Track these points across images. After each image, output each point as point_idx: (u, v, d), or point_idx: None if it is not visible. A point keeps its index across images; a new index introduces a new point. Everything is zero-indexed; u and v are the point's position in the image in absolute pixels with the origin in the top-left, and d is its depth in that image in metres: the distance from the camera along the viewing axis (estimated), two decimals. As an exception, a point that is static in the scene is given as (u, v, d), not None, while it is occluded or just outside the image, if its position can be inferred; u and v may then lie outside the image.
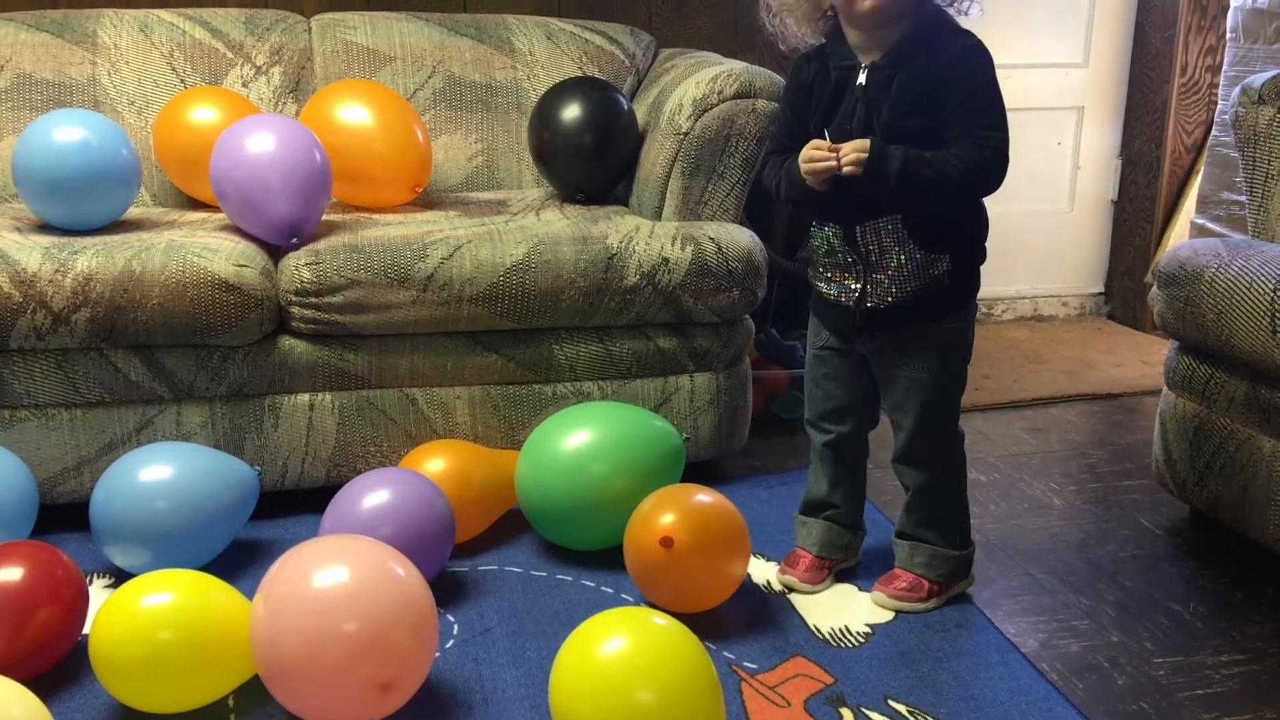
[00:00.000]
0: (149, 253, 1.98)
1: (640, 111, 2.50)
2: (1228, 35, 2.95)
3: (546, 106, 2.44)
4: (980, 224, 1.81)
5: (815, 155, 1.68)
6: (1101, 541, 2.13)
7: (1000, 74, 1.71)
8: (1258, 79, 2.12)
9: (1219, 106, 3.02)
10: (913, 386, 1.78)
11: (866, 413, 1.89)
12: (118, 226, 2.17)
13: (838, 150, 1.66)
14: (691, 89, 2.27)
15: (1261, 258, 1.92)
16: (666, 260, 2.14)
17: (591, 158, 2.40)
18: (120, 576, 1.89)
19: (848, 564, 1.96)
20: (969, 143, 1.65)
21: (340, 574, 1.48)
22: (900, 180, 1.64)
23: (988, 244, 1.83)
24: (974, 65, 1.68)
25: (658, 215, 2.30)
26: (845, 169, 1.65)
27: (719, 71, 2.27)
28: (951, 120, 1.66)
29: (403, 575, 1.52)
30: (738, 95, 2.23)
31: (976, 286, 1.83)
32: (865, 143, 1.65)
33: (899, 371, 1.79)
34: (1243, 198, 2.22)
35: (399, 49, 2.62)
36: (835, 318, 1.83)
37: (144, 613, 1.52)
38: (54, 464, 2.03)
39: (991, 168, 1.66)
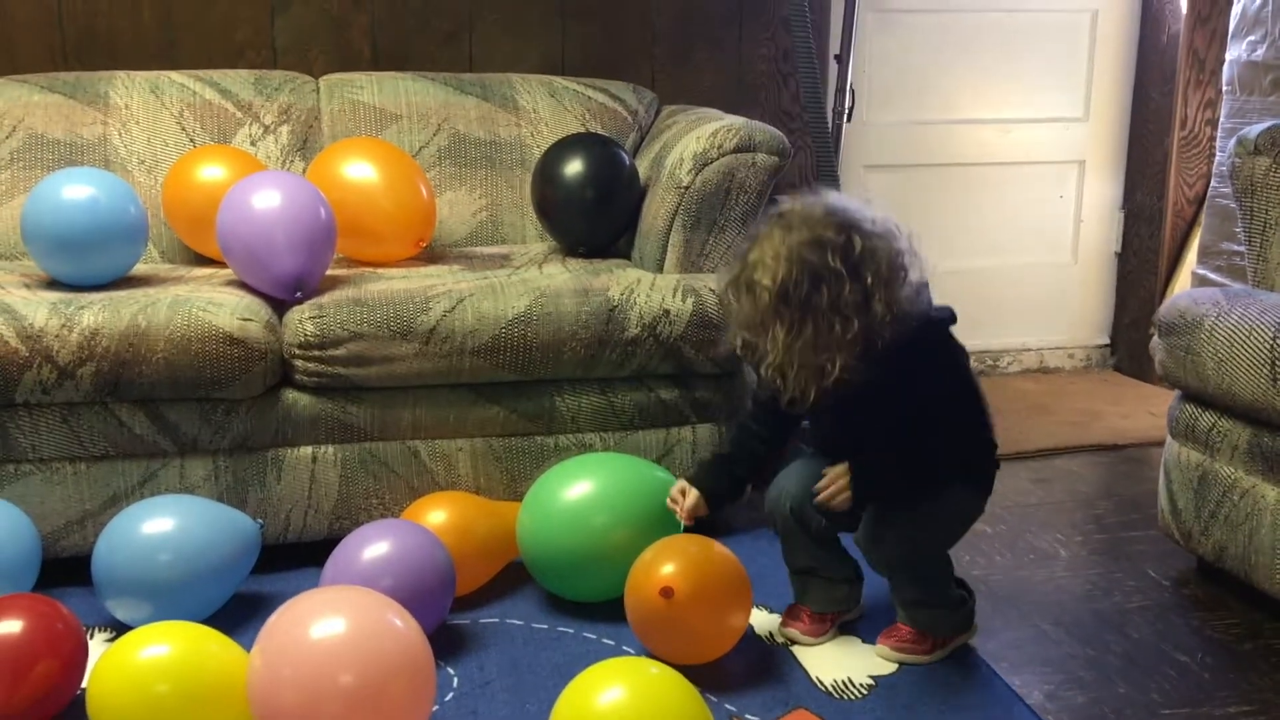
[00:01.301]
0: (154, 307, 2.00)
1: (642, 166, 2.53)
2: (1224, 88, 2.98)
3: (549, 162, 2.47)
4: (983, 447, 1.82)
5: (674, 499, 1.84)
6: (1108, 592, 2.11)
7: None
8: (1253, 130, 2.14)
9: (1217, 158, 3.04)
10: (893, 524, 1.77)
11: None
12: (125, 282, 2.20)
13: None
14: (692, 143, 2.30)
15: (1261, 306, 1.93)
16: (668, 312, 2.15)
17: (593, 212, 2.43)
18: (121, 630, 1.89)
19: (850, 615, 1.94)
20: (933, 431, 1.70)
21: (337, 625, 1.47)
22: (889, 485, 1.72)
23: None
24: (920, 367, 1.68)
25: (659, 268, 2.32)
26: (835, 505, 1.73)
27: (719, 126, 2.30)
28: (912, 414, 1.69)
29: (400, 627, 1.51)
30: (738, 149, 2.26)
31: (987, 485, 1.83)
32: (842, 473, 1.71)
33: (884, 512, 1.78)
34: (1242, 247, 2.23)
35: (405, 107, 2.66)
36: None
37: (142, 665, 1.52)
38: (58, 518, 2.04)
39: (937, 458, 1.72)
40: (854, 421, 1.72)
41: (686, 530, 1.86)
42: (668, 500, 1.85)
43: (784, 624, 1.91)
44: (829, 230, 1.61)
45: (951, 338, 1.75)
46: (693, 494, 1.83)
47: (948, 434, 1.73)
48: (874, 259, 1.61)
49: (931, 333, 1.70)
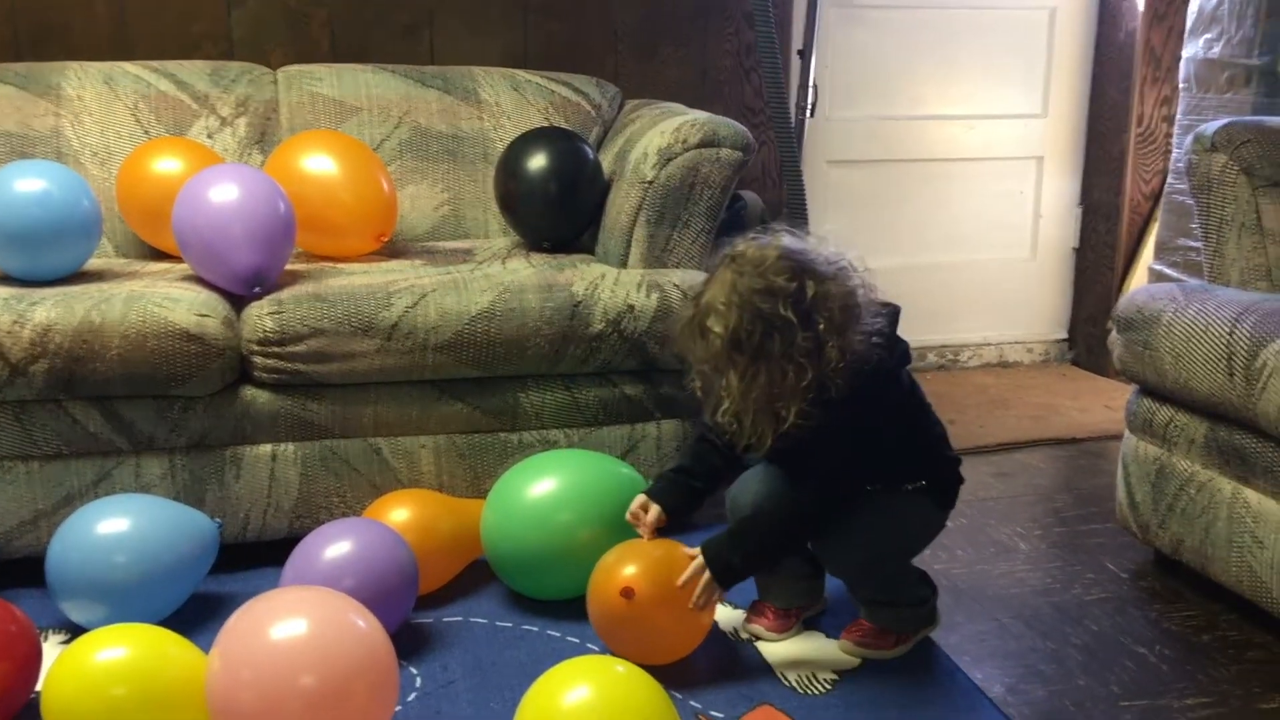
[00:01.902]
0: (109, 303, 1.97)
1: (606, 161, 2.52)
2: (1180, 85, 3.01)
3: (512, 156, 2.45)
4: (945, 464, 1.81)
5: (634, 516, 1.82)
6: (1067, 586, 2.13)
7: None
8: (1210, 127, 2.16)
9: (1174, 155, 3.08)
10: (853, 534, 1.76)
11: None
12: (79, 277, 2.16)
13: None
14: (656, 138, 2.29)
15: (1217, 301, 1.95)
16: (632, 307, 2.14)
17: (557, 206, 2.41)
18: (76, 632, 1.85)
19: (814, 610, 1.95)
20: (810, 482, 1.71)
21: (298, 626, 1.45)
22: (749, 565, 1.74)
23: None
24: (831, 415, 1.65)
25: (623, 263, 2.31)
26: (701, 606, 1.71)
27: (683, 121, 2.29)
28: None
29: (362, 626, 1.49)
30: (702, 144, 2.25)
31: (950, 499, 1.83)
32: (700, 565, 1.71)
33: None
34: (1199, 244, 2.26)
35: (365, 100, 2.64)
36: None
37: (98, 668, 1.49)
38: (9, 518, 2.00)
39: (805, 510, 1.71)
40: (805, 463, 1.72)
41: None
42: (628, 515, 1.83)
43: (748, 620, 1.91)
44: (781, 277, 1.59)
45: (899, 378, 1.74)
46: (654, 510, 1.82)
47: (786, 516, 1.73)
48: (827, 304, 1.60)
49: (879, 382, 1.67)
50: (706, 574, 1.71)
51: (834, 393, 1.62)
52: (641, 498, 1.84)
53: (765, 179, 3.18)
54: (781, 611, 1.90)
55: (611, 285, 2.17)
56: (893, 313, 1.72)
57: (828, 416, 1.63)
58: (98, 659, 1.49)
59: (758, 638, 1.89)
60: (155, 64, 2.59)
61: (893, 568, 1.83)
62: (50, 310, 1.94)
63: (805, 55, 2.94)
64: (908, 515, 1.79)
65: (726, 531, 1.75)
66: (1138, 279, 3.33)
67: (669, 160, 2.25)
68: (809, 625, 1.93)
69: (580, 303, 2.13)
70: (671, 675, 1.70)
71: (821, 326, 1.59)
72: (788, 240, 1.65)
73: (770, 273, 1.60)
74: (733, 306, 1.59)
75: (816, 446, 1.67)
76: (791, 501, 1.73)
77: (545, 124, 2.65)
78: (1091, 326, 3.53)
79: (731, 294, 1.60)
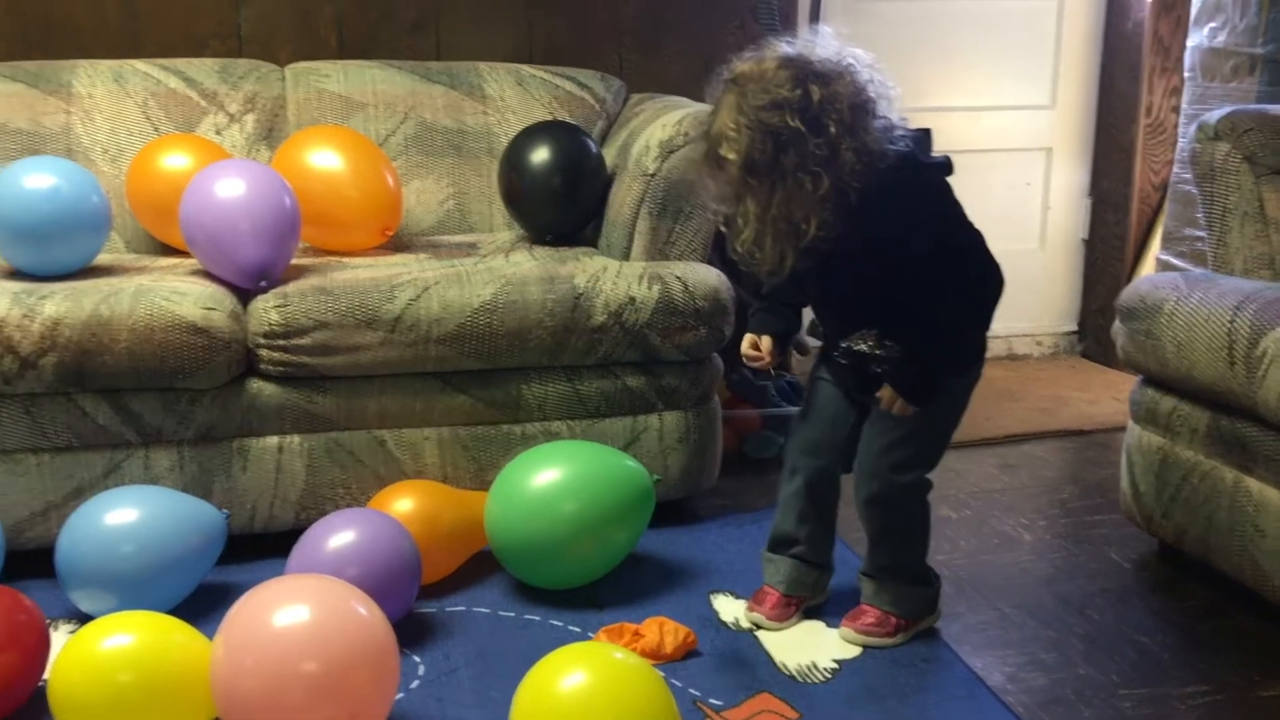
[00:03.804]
0: (117, 297, 1.99)
1: (609, 154, 2.53)
2: (1185, 74, 3.00)
3: (516, 150, 2.46)
4: (979, 297, 1.78)
5: (752, 356, 1.81)
6: (1070, 576, 2.13)
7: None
8: (1213, 115, 2.16)
9: (1180, 144, 3.07)
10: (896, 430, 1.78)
11: (843, 452, 1.88)
12: (88, 272, 2.18)
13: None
14: (658, 131, 2.30)
15: (1220, 290, 1.95)
16: (633, 299, 2.15)
17: (560, 200, 2.43)
18: (85, 622, 1.87)
19: (815, 601, 1.95)
20: (943, 274, 1.67)
21: (300, 613, 1.47)
22: (932, 374, 1.73)
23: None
24: (900, 214, 1.65)
25: (626, 256, 2.32)
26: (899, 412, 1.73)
27: (685, 114, 2.30)
28: (918, 260, 1.66)
29: (364, 615, 1.51)
30: (703, 137, 2.25)
31: (979, 355, 1.84)
32: (902, 405, 1.72)
33: (888, 418, 1.78)
34: (1204, 233, 2.26)
35: (371, 96, 2.65)
36: (837, 373, 1.84)
37: (104, 655, 1.51)
38: (21, 509, 2.02)
39: (973, 280, 1.71)
40: (852, 279, 1.70)
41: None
42: (744, 353, 1.82)
43: (749, 608, 1.92)
44: (784, 88, 1.56)
45: (934, 182, 1.69)
46: (766, 340, 1.81)
47: (960, 280, 1.69)
48: (835, 105, 1.57)
49: (906, 175, 1.64)
50: (899, 401, 1.72)
51: (852, 198, 1.59)
52: (750, 337, 1.83)
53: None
54: (783, 599, 1.90)
55: (613, 277, 2.18)
56: (923, 132, 1.69)
57: (855, 223, 1.60)
58: (104, 646, 1.52)
59: (758, 626, 1.90)
60: (164, 61, 2.61)
61: (928, 452, 1.81)
62: (60, 304, 1.97)
63: (810, 48, 2.94)
64: (949, 401, 1.80)
65: (905, 359, 1.72)
66: (1147, 270, 3.31)
67: (671, 153, 2.25)
68: (809, 614, 1.94)
69: (582, 295, 2.14)
70: (671, 664, 1.71)
71: (832, 130, 1.56)
72: (784, 48, 1.62)
73: (773, 85, 1.57)
74: (742, 129, 1.57)
75: (866, 259, 1.65)
76: (952, 279, 1.69)
77: (549, 118, 2.66)
78: (1101, 318, 3.52)
79: (739, 116, 1.58)
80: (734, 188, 1.61)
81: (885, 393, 1.74)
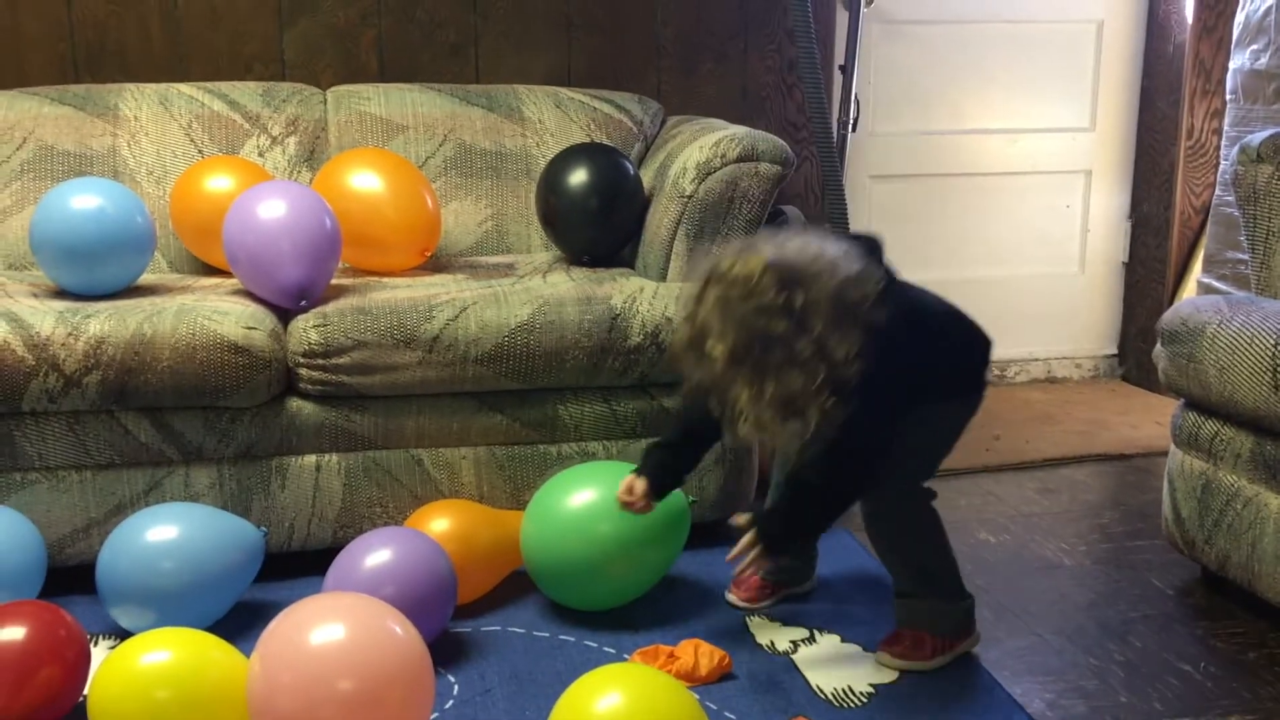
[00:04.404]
0: (160, 316, 2.02)
1: (647, 176, 2.54)
2: (1228, 97, 2.97)
3: (553, 172, 2.48)
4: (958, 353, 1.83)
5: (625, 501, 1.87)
6: (1112, 602, 2.10)
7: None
8: (1256, 138, 2.13)
9: (1221, 166, 3.03)
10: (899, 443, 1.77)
11: None
12: (132, 292, 2.22)
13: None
14: (695, 153, 2.31)
15: (1263, 313, 1.92)
16: (670, 320, 2.16)
17: (597, 221, 2.44)
18: (125, 638, 1.89)
19: (799, 590, 2.00)
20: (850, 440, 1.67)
21: (336, 631, 1.48)
22: (799, 537, 1.83)
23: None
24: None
25: (663, 277, 2.33)
26: (747, 576, 1.83)
27: (722, 136, 2.31)
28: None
29: (399, 634, 1.52)
30: (740, 159, 2.26)
31: (979, 384, 1.85)
32: (750, 541, 1.74)
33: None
34: (1247, 256, 2.23)
35: (411, 119, 2.68)
36: None
37: (142, 671, 1.52)
38: (63, 525, 2.05)
39: (848, 484, 1.75)
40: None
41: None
42: (619, 496, 1.87)
43: (730, 589, 2.02)
44: (768, 293, 1.57)
45: (898, 330, 1.65)
46: (641, 483, 1.87)
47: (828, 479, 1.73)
48: (818, 309, 1.57)
49: (887, 348, 1.62)
50: (757, 547, 1.74)
51: (853, 384, 1.60)
52: (629, 478, 1.88)
53: (808, 194, 3.18)
54: (762, 583, 1.99)
55: (650, 298, 2.19)
56: (872, 247, 1.70)
57: (859, 399, 1.61)
58: (143, 662, 1.53)
59: (734, 607, 1.99)
60: (209, 85, 2.66)
61: (929, 463, 1.83)
62: (104, 323, 2.00)
63: (847, 71, 2.94)
64: (938, 423, 1.82)
65: (774, 506, 1.79)
66: (1188, 293, 3.28)
67: (708, 174, 2.26)
68: (846, 638, 1.92)
69: (619, 315, 2.15)
70: (706, 686, 1.71)
71: (818, 330, 1.57)
72: (770, 247, 1.62)
73: (758, 290, 1.58)
74: (729, 327, 1.58)
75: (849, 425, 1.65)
76: (834, 472, 1.72)
77: (587, 140, 2.68)
78: (1142, 341, 3.48)
79: (725, 315, 1.59)
80: (722, 379, 1.62)
81: (743, 543, 1.75)
